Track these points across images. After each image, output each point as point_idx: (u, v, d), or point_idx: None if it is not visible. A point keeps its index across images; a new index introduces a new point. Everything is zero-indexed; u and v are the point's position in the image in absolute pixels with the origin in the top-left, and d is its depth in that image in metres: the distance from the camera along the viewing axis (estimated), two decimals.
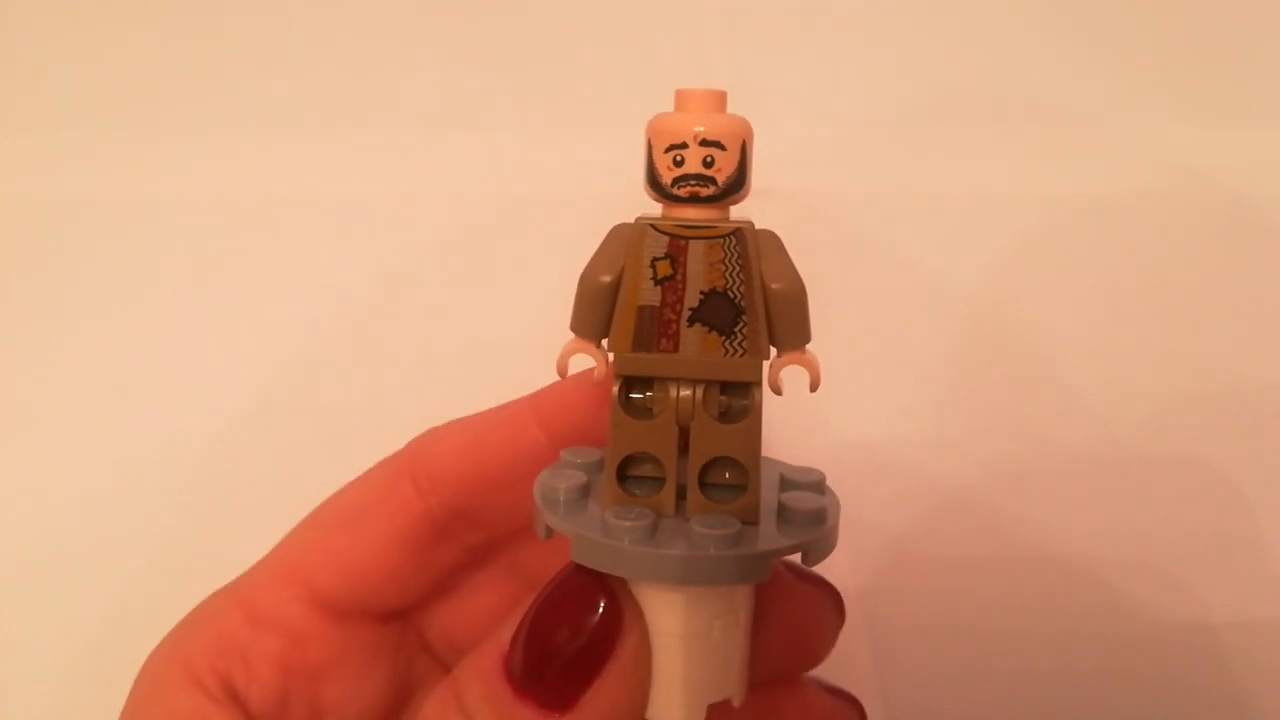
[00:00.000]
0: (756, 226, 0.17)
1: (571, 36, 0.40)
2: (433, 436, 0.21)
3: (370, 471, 0.21)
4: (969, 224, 0.41)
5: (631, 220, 0.17)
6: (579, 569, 0.17)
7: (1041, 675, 0.31)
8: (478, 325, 0.36)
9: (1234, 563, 0.33)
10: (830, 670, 0.30)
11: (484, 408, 0.22)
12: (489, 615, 0.22)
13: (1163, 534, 0.33)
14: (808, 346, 0.17)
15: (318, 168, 0.39)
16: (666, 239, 0.16)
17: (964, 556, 0.33)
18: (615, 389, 0.17)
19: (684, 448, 0.17)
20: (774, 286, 0.17)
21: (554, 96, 0.40)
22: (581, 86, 0.40)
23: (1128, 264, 0.39)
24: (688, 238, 0.16)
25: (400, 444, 0.22)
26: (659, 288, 0.17)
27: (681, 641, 0.17)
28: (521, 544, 0.22)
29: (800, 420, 0.35)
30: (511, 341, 0.29)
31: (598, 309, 0.17)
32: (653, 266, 0.16)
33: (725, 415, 0.17)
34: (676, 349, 0.17)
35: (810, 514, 0.17)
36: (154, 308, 0.36)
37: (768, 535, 0.17)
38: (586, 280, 0.17)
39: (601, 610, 0.17)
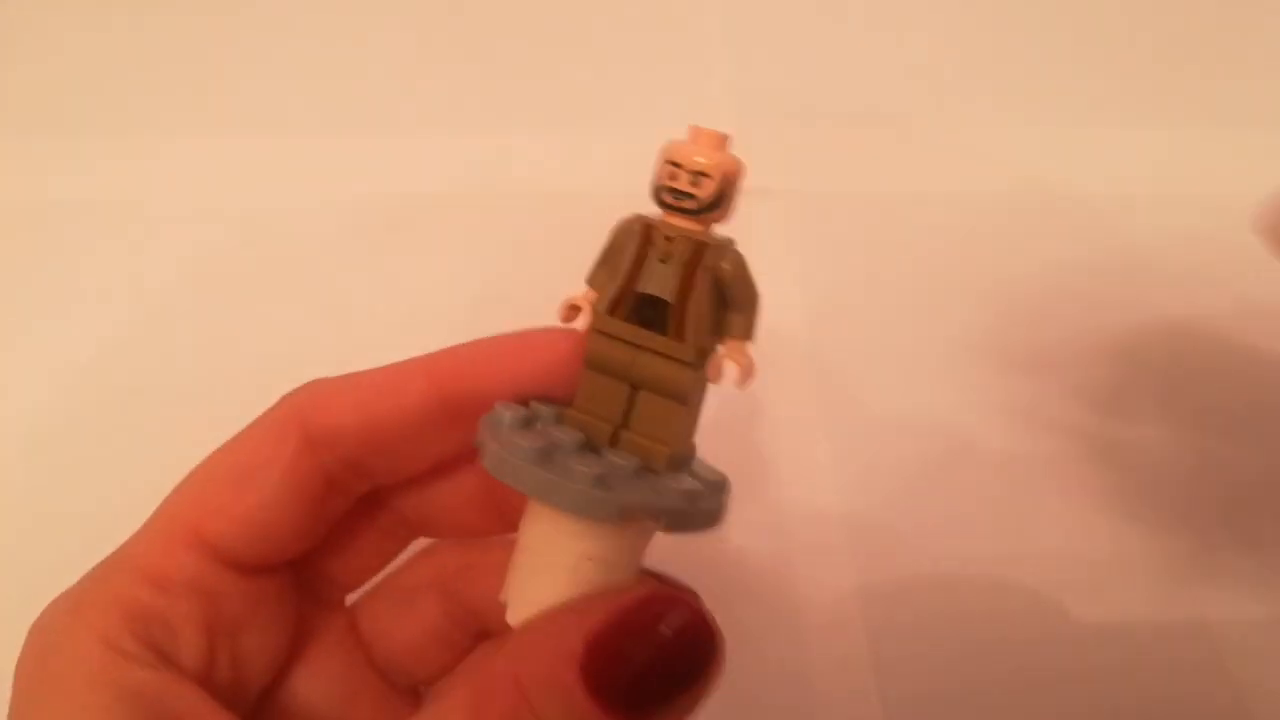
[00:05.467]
0: (744, 236, 0.19)
1: (567, 39, 0.40)
2: (320, 390, 0.21)
3: (254, 426, 0.21)
4: (969, 224, 0.41)
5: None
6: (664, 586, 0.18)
7: (1042, 676, 0.31)
8: (470, 324, 0.36)
9: (1234, 563, 0.32)
10: (830, 670, 0.30)
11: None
12: (375, 558, 0.23)
13: (1163, 534, 0.33)
14: (748, 345, 0.19)
15: (313, 168, 0.40)
16: (651, 234, 0.19)
17: (964, 557, 0.32)
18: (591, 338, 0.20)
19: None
20: (724, 267, 0.19)
21: (548, 95, 0.40)
22: (577, 86, 0.40)
23: (1130, 264, 0.39)
24: (668, 236, 0.19)
25: None
26: (636, 273, 0.19)
27: (533, 557, 0.19)
28: (407, 490, 0.23)
29: (801, 421, 0.35)
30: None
31: (606, 266, 0.20)
32: (637, 253, 0.19)
33: (672, 394, 0.20)
34: (638, 324, 0.19)
35: (685, 494, 0.19)
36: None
37: (644, 487, 0.19)
38: (613, 239, 0.20)
39: (700, 634, 0.17)
